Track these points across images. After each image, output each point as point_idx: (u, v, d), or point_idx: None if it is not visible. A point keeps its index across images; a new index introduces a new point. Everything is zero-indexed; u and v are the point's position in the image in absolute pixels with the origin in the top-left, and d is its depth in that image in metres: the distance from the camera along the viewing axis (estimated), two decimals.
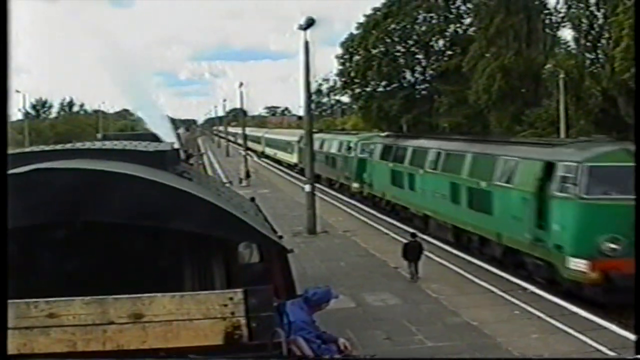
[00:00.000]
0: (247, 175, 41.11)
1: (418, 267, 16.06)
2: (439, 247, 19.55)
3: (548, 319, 12.66)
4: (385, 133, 33.02)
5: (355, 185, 30.69)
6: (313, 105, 36.62)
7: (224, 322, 3.97)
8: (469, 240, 18.80)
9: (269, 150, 65.30)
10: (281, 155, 56.02)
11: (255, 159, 63.57)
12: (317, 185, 34.34)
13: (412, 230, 18.28)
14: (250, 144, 71.56)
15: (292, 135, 50.82)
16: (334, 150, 35.54)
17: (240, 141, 67.95)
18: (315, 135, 40.47)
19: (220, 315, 3.98)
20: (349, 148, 32.33)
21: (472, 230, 18.26)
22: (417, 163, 22.54)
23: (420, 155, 22.34)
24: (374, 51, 65.33)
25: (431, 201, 21.08)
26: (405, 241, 16.97)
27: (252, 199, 10.80)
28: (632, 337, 10.85)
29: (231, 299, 4.01)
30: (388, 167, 25.62)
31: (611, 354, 10.76)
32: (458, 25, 64.28)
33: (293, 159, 48.46)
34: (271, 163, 59.40)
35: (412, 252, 16.11)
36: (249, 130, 78.47)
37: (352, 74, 68.46)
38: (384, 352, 10.81)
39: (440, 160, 20.59)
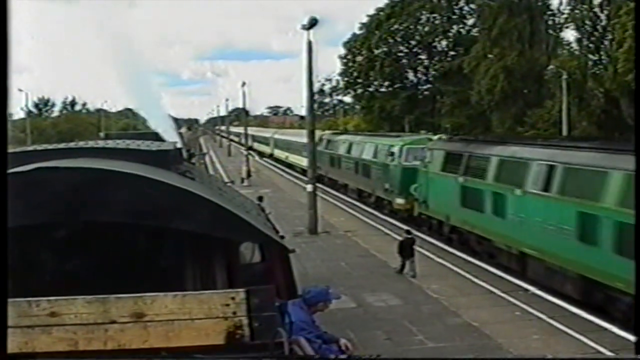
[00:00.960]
0: (249, 174, 41.16)
1: (414, 265, 16.32)
2: (438, 247, 19.60)
3: (549, 320, 12.69)
4: (439, 135, 27.02)
5: (400, 201, 24.94)
6: (315, 105, 36.19)
7: (226, 322, 3.97)
8: (609, 300, 12.93)
9: (279, 153, 58.71)
10: (294, 158, 49.17)
11: (257, 158, 63.34)
12: (347, 198, 32.47)
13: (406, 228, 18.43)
14: (256, 145, 70.11)
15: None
16: (367, 155, 29.70)
17: (244, 141, 66.26)
18: (340, 137, 38.02)
19: (222, 315, 3.97)
20: (391, 154, 26.42)
21: (625, 289, 11.92)
22: (510, 179, 16.60)
23: (516, 168, 16.41)
24: (376, 51, 65.56)
25: (537, 235, 15.19)
26: (400, 239, 17.41)
27: (260, 198, 10.81)
28: (632, 338, 10.85)
29: (233, 298, 4.00)
30: (456, 182, 19.32)
31: (611, 355, 10.77)
32: (461, 25, 64.51)
33: None
34: (273, 162, 58.98)
35: (407, 249, 16.41)
36: (254, 131, 77.07)
37: (355, 74, 68.72)
38: (385, 353, 10.81)
39: (556, 178, 14.67)
